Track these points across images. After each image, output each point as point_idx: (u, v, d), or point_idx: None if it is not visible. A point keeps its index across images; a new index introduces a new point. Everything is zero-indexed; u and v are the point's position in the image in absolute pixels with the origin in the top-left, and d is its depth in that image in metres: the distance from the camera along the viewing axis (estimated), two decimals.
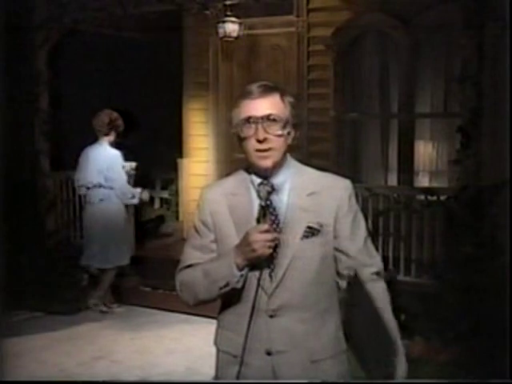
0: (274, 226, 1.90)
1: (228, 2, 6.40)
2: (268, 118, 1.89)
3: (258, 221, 1.89)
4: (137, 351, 4.92)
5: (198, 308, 6.13)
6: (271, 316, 1.91)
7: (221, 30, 6.44)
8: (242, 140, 1.95)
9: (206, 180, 7.09)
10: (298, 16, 6.45)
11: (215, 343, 2.11)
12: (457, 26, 5.15)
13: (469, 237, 4.66)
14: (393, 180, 6.14)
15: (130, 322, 5.57)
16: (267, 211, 1.90)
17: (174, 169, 7.37)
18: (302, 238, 1.91)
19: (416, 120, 6.08)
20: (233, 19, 6.41)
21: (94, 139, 5.86)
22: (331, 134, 6.15)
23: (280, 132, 1.90)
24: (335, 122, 6.14)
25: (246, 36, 6.66)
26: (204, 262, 1.97)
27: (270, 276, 1.90)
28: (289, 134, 1.93)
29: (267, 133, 1.89)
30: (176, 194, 7.75)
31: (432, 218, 5.19)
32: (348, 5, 5.99)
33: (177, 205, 7.62)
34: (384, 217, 5.32)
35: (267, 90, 1.92)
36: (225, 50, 6.85)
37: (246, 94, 1.93)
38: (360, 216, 2.01)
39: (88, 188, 5.71)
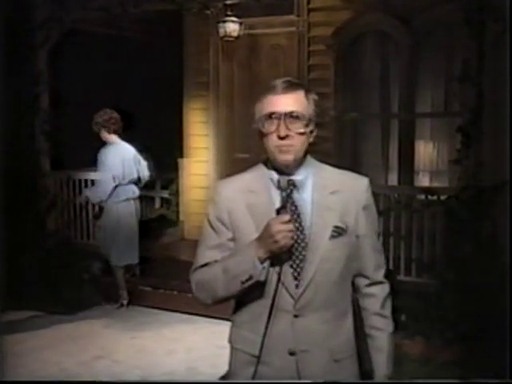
0: (297, 224, 1.87)
1: (228, 2, 6.40)
2: (291, 115, 1.85)
3: (278, 212, 1.84)
4: (137, 351, 4.93)
5: (198, 308, 6.10)
6: (296, 316, 1.88)
7: (221, 30, 6.44)
8: (263, 135, 1.89)
9: (207, 180, 7.10)
10: (298, 16, 6.45)
11: (230, 341, 2.04)
12: (457, 25, 5.15)
13: (469, 237, 4.67)
14: (393, 180, 6.14)
15: (131, 322, 5.58)
16: (288, 202, 1.86)
17: (175, 168, 7.37)
18: (330, 238, 1.89)
19: (416, 120, 6.07)
20: (233, 19, 6.41)
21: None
22: (331, 133, 6.15)
23: (302, 130, 1.86)
24: (335, 121, 6.14)
25: (246, 36, 6.66)
26: (222, 259, 1.92)
27: (297, 278, 1.87)
28: (311, 132, 1.90)
29: (289, 130, 1.85)
30: (176, 193, 7.75)
31: (432, 217, 5.19)
32: (348, 4, 5.98)
33: (177, 204, 7.62)
34: (384, 216, 5.31)
35: (292, 86, 1.88)
36: (225, 49, 6.85)
37: (270, 89, 1.88)
38: (374, 216, 2.02)
39: (116, 186, 5.78)
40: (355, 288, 2.00)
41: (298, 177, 1.91)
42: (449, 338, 4.42)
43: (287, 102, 1.86)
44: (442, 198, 5.17)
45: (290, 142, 1.86)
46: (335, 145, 6.19)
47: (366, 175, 2.03)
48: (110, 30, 7.48)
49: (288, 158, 1.87)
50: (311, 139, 1.92)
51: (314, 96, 1.92)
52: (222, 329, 5.75)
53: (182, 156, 7.25)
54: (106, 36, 7.64)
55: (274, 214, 1.85)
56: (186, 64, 7.10)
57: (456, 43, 5.60)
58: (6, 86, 5.35)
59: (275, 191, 1.91)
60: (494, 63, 4.74)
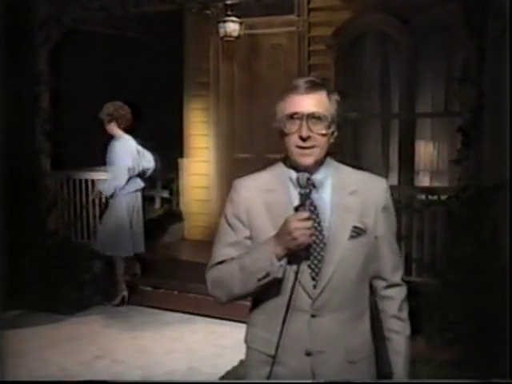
0: (316, 224, 1.86)
1: (229, 2, 6.40)
2: (313, 116, 1.84)
3: (296, 210, 1.83)
4: (137, 351, 4.93)
5: (198, 308, 6.10)
6: (313, 316, 1.87)
7: (221, 30, 6.45)
8: (283, 135, 1.89)
9: (207, 180, 7.11)
10: (298, 15, 6.45)
11: (245, 341, 2.03)
12: (457, 25, 5.14)
13: (469, 237, 4.66)
14: (393, 179, 6.13)
15: (131, 322, 5.58)
16: (307, 200, 1.84)
17: (175, 168, 7.37)
18: (349, 239, 1.88)
19: (417, 120, 6.07)
20: (233, 19, 6.42)
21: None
22: None
23: (324, 131, 1.86)
24: None
25: (246, 36, 6.67)
26: (238, 256, 1.90)
27: (315, 279, 1.86)
28: (333, 133, 1.90)
29: (311, 131, 1.84)
30: (177, 193, 7.75)
31: (432, 217, 5.18)
32: (349, 4, 5.99)
33: (177, 204, 7.62)
34: None
35: (314, 87, 1.87)
36: (225, 49, 6.85)
37: (292, 89, 1.87)
38: (393, 218, 2.01)
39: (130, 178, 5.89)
40: (373, 290, 2.00)
41: (317, 176, 1.90)
42: (449, 338, 4.42)
43: (310, 102, 1.85)
44: (443, 197, 5.16)
45: (312, 143, 1.85)
46: (335, 145, 6.18)
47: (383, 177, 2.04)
48: (110, 30, 7.47)
49: (308, 161, 1.87)
50: (332, 140, 1.91)
51: (336, 96, 1.91)
52: (222, 329, 5.79)
53: (182, 156, 7.25)
54: (107, 36, 7.64)
55: (291, 213, 1.83)
56: (187, 64, 7.10)
57: (456, 43, 5.59)
58: (6, 85, 5.35)
59: (294, 190, 1.90)
60: (494, 63, 4.73)
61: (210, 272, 1.97)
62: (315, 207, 1.88)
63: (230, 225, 1.95)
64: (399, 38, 5.95)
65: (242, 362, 4.44)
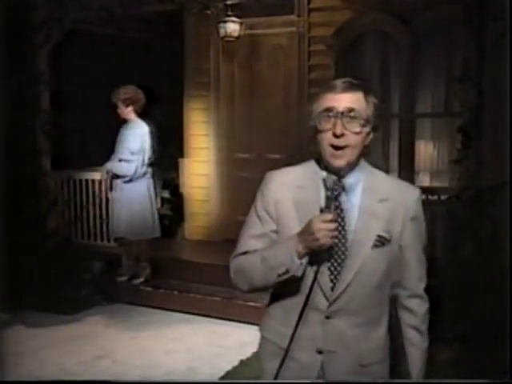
0: (340, 228, 1.86)
1: (229, 2, 6.41)
2: (348, 113, 1.83)
3: (321, 210, 1.84)
4: (138, 351, 4.93)
5: (198, 308, 6.09)
6: (327, 317, 1.89)
7: (222, 30, 6.45)
8: (318, 132, 1.87)
9: (207, 180, 7.11)
10: (298, 16, 6.46)
11: (260, 330, 2.06)
12: (457, 25, 5.15)
13: (469, 237, 4.67)
14: None
15: (131, 322, 5.58)
16: (332, 201, 1.84)
17: (175, 168, 7.38)
18: (372, 248, 1.87)
19: (417, 120, 6.08)
20: (234, 19, 6.42)
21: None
22: None
23: (359, 129, 1.84)
24: None
25: (246, 36, 6.67)
26: (262, 249, 1.92)
27: (333, 281, 1.87)
28: (368, 134, 1.88)
29: (346, 129, 1.83)
30: (177, 193, 7.75)
31: (432, 217, 5.18)
32: (349, 5, 5.99)
33: (178, 204, 7.62)
34: None
35: (351, 87, 1.87)
36: (226, 49, 6.85)
37: (329, 88, 1.88)
38: (423, 228, 2.00)
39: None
40: (394, 298, 1.99)
41: (348, 179, 1.89)
42: (449, 338, 4.42)
43: (346, 100, 1.85)
44: (443, 197, 5.17)
45: (345, 142, 1.84)
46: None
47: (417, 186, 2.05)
48: (110, 30, 7.48)
49: (341, 163, 1.86)
50: (367, 142, 1.89)
51: (373, 99, 1.90)
52: (223, 329, 5.79)
53: (182, 156, 7.26)
54: (107, 36, 7.64)
55: (319, 213, 1.85)
56: (187, 64, 7.11)
57: (456, 43, 5.60)
58: (6, 85, 5.35)
59: (324, 190, 1.89)
60: (494, 63, 4.73)
61: (233, 261, 1.99)
62: (342, 210, 1.88)
63: (258, 217, 1.97)
64: (399, 38, 5.95)
65: (242, 362, 4.45)
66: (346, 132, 1.83)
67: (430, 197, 5.23)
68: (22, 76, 6.26)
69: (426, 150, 6.20)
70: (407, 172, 6.04)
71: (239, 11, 6.47)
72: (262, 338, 2.05)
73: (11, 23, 5.57)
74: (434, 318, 4.58)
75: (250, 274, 1.94)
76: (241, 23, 6.49)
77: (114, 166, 5.88)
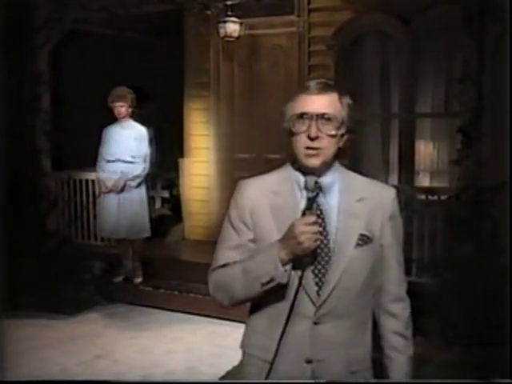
0: (321, 229, 1.81)
1: (229, 2, 6.41)
2: (323, 116, 1.81)
3: (303, 213, 1.79)
4: (137, 351, 4.93)
5: (198, 308, 6.08)
6: (315, 323, 1.83)
7: (222, 30, 6.45)
8: (292, 135, 1.85)
9: (207, 180, 7.11)
10: (298, 16, 6.46)
11: (242, 346, 1.99)
12: (457, 26, 5.15)
13: (469, 237, 4.67)
14: (393, 180, 6.14)
15: (131, 322, 5.58)
16: (314, 202, 1.81)
17: (175, 168, 7.38)
18: (355, 247, 1.84)
19: (417, 120, 6.08)
20: (234, 19, 6.42)
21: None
22: None
23: (333, 132, 1.82)
24: None
25: (246, 36, 6.67)
26: (242, 260, 1.86)
27: (318, 284, 1.82)
28: (342, 136, 1.86)
29: (320, 131, 1.80)
30: (177, 193, 7.75)
31: (432, 217, 5.19)
32: (349, 5, 5.99)
33: (178, 204, 7.63)
34: None
35: (326, 88, 1.84)
36: (226, 50, 6.85)
37: (303, 89, 1.85)
38: (400, 228, 1.97)
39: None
40: (376, 304, 1.95)
41: (324, 179, 1.87)
42: (449, 337, 4.42)
43: (320, 102, 1.82)
44: (443, 198, 5.17)
45: (320, 144, 1.81)
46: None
47: (392, 186, 2.03)
48: (110, 31, 7.48)
49: (315, 162, 1.83)
50: (341, 144, 1.87)
51: (348, 100, 1.88)
52: (222, 329, 5.79)
53: (182, 156, 7.26)
54: (107, 36, 7.64)
55: (297, 215, 1.80)
56: (187, 64, 7.11)
57: (456, 43, 5.60)
58: (6, 86, 5.35)
59: (300, 194, 1.86)
60: (494, 63, 4.74)
61: (212, 275, 1.93)
62: (321, 211, 1.85)
63: (233, 227, 1.91)
64: (399, 38, 5.96)
65: (241, 363, 4.44)
66: (321, 134, 1.81)
67: (429, 197, 5.24)
68: (22, 76, 6.26)
69: (425, 150, 6.20)
70: (407, 172, 6.04)
71: (239, 11, 6.47)
72: (245, 354, 1.97)
73: (11, 23, 5.57)
74: (434, 318, 4.59)
75: (230, 287, 1.87)
76: (241, 23, 6.49)
77: (128, 168, 5.94)
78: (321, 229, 1.80)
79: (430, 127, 6.19)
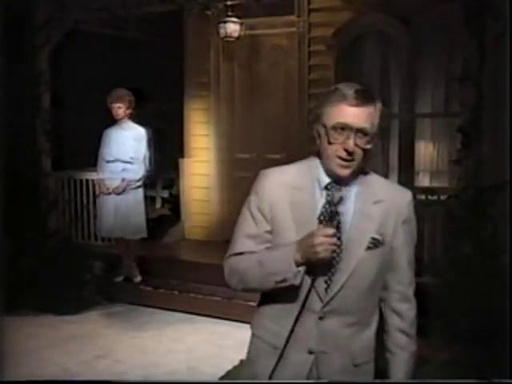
0: (338, 233, 1.83)
1: (229, 3, 6.41)
2: (361, 131, 1.81)
3: (321, 222, 1.84)
4: (138, 350, 4.93)
5: (199, 308, 6.07)
6: (321, 318, 1.89)
7: (222, 31, 6.46)
8: (327, 142, 1.85)
9: (207, 180, 7.11)
10: (298, 16, 6.46)
11: (252, 328, 2.05)
12: (457, 25, 5.15)
13: (469, 237, 4.67)
14: (393, 180, 6.13)
15: (132, 322, 5.58)
16: (335, 216, 1.84)
17: (175, 168, 7.38)
18: (366, 249, 1.88)
19: (417, 120, 6.08)
20: (234, 19, 6.43)
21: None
22: None
23: (368, 146, 1.83)
24: None
25: (247, 36, 6.67)
26: (259, 252, 1.91)
27: (327, 282, 1.87)
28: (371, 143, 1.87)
29: (356, 145, 1.82)
30: (177, 193, 7.76)
31: (432, 217, 5.19)
32: (349, 5, 5.99)
33: (178, 204, 7.63)
34: None
35: (366, 100, 1.84)
36: (226, 50, 6.86)
37: (345, 98, 1.83)
38: (414, 231, 1.99)
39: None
40: (383, 301, 1.99)
41: (349, 187, 1.89)
42: (448, 337, 4.42)
43: (360, 116, 1.82)
44: (442, 197, 5.17)
45: (353, 156, 1.83)
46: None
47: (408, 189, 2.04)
48: (110, 31, 7.49)
49: (347, 172, 1.85)
50: (368, 151, 1.88)
51: (380, 106, 1.90)
52: (223, 329, 5.79)
53: (182, 156, 7.26)
54: (107, 36, 7.65)
55: (316, 213, 1.86)
56: (187, 64, 7.11)
57: (456, 43, 5.60)
58: (7, 86, 5.35)
59: (320, 192, 1.89)
60: (494, 63, 4.74)
61: (228, 261, 1.97)
62: (340, 221, 1.87)
63: (252, 216, 1.94)
64: (399, 38, 5.96)
65: (242, 362, 4.45)
66: (357, 149, 1.82)
67: (429, 197, 5.24)
68: (22, 76, 6.26)
69: (425, 150, 6.20)
70: (407, 172, 6.05)
71: (239, 11, 6.47)
72: (254, 336, 2.04)
73: (12, 23, 5.58)
74: (434, 318, 4.59)
75: (245, 276, 1.92)
76: (241, 23, 6.49)
77: (129, 170, 5.94)
78: (338, 242, 1.83)
79: (429, 127, 6.20)
